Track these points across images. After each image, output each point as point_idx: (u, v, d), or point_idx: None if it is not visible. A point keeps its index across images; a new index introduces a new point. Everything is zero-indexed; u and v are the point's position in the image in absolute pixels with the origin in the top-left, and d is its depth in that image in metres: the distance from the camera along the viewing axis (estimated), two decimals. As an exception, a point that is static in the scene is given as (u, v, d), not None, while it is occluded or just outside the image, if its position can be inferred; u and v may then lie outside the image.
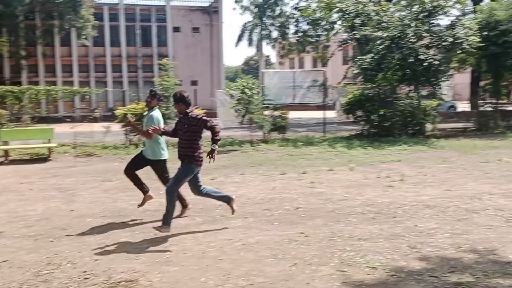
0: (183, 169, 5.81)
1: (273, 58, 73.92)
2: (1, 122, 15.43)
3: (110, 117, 17.75)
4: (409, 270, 4.58)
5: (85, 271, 4.62)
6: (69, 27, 35.67)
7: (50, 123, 18.33)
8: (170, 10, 43.93)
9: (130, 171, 6.77)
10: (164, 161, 6.69)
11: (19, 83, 30.63)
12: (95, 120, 16.28)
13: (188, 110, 5.84)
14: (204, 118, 5.80)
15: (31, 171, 11.37)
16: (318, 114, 21.54)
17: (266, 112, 16.77)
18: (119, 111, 15.40)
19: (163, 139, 6.68)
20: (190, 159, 5.77)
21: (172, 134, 6.19)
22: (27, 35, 36.30)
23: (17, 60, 37.52)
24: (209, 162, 5.78)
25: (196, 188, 6.05)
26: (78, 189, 8.94)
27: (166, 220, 5.72)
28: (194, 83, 43.66)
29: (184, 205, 6.69)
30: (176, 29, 44.72)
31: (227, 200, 6.29)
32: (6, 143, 13.80)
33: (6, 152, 13.25)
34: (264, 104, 16.79)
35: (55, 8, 34.07)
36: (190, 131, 5.80)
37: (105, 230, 6.11)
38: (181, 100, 5.84)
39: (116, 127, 15.26)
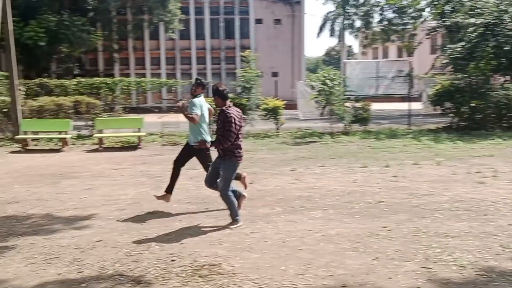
0: (227, 167, 5.73)
1: (356, 48, 72.22)
2: (96, 111, 16.55)
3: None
4: (501, 270, 4.32)
5: (172, 253, 4.86)
6: (158, 21, 37.29)
7: (140, 113, 19.39)
8: (253, 2, 44.38)
9: (178, 164, 6.86)
10: (205, 148, 6.54)
11: (112, 75, 32.65)
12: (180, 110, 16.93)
13: (225, 107, 5.68)
14: (229, 119, 5.55)
15: (122, 158, 12.12)
16: (403, 106, 20.77)
17: (347, 104, 16.49)
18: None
19: (205, 126, 6.76)
20: (230, 156, 5.69)
21: None
22: (119, 30, 38.47)
23: (110, 53, 39.97)
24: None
25: (213, 181, 5.94)
26: (165, 176, 9.35)
27: (233, 217, 5.87)
28: (275, 74, 43.88)
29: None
30: (258, 21, 45.15)
31: (236, 196, 5.99)
32: (100, 131, 14.81)
33: (100, 139, 14.21)
34: (345, 95, 16.51)
35: (145, 3, 35.75)
36: (224, 128, 5.62)
37: (190, 215, 6.37)
38: (216, 93, 5.73)
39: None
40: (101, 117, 16.11)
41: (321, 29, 45.38)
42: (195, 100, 6.65)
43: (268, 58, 40.33)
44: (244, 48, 31.73)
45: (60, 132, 14.64)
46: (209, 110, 7.02)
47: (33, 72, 28.90)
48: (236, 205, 5.90)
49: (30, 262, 4.71)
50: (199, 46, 44.00)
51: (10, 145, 14.62)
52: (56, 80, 20.30)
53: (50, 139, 15.04)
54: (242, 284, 4.10)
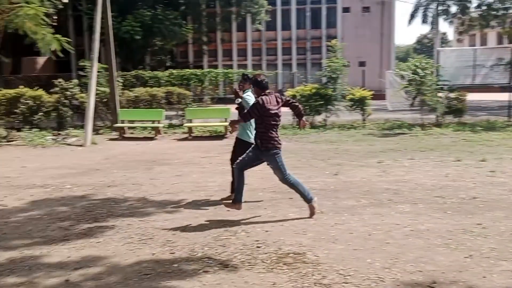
0: (271, 160, 5.70)
1: (450, 36, 68.29)
2: (186, 102, 17.25)
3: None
4: None
5: (257, 240, 4.97)
6: (245, 13, 37.87)
7: (227, 103, 19.86)
8: (340, -10, 43.51)
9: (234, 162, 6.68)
10: (247, 144, 6.38)
11: (201, 67, 33.75)
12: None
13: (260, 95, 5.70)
14: (255, 101, 5.66)
15: (210, 146, 12.54)
16: (503, 97, 19.31)
17: (440, 94, 15.69)
18: (288, 93, 15.96)
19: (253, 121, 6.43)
20: (267, 146, 5.64)
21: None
22: (208, 22, 39.61)
23: (199, 45, 41.35)
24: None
25: (243, 166, 5.80)
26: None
27: (306, 199, 5.80)
28: (362, 64, 42.76)
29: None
30: (345, 10, 44.24)
31: (238, 199, 5.81)
32: (190, 121, 15.43)
33: (190, 129, 14.81)
34: (438, 85, 15.72)
35: (233, -4, 36.52)
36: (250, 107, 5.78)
37: (275, 204, 6.46)
38: (255, 84, 5.82)
39: (284, 108, 15.88)
40: (191, 107, 16.75)
41: (413, 16, 43.35)
42: (245, 95, 6.55)
43: (355, 47, 39.38)
44: (330, 37, 31.29)
45: (153, 121, 15.47)
46: None
47: (130, 64, 30.71)
48: (302, 185, 5.81)
49: (127, 241, 5.06)
50: (285, 36, 44.07)
51: (109, 132, 15.72)
52: (150, 72, 21.44)
53: (145, 128, 15.94)
54: (326, 274, 4.10)
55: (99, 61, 16.19)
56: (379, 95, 21.37)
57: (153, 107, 16.49)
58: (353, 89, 16.64)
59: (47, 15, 14.54)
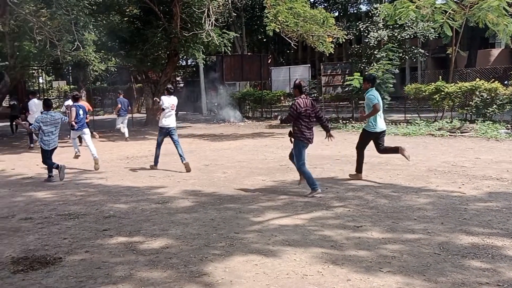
0: (294, 145, 7.11)
1: None
2: None
3: None
4: None
5: None
6: None
7: None
8: None
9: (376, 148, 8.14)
10: (365, 131, 7.95)
11: None
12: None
13: (296, 97, 7.10)
14: (292, 105, 7.03)
15: None
16: None
17: None
18: None
19: (377, 116, 7.73)
20: (295, 137, 7.04)
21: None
22: None
23: None
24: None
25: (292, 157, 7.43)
26: None
27: (311, 186, 7.08)
28: None
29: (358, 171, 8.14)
30: None
31: (312, 184, 7.05)
32: None
33: None
34: None
35: None
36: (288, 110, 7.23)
37: None
38: (297, 87, 7.11)
39: None
40: None
41: None
42: (368, 95, 7.70)
43: None
44: None
45: None
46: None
47: None
48: (310, 177, 7.08)
49: None
50: None
51: None
52: None
53: None
54: None
55: None
56: None
57: None
58: None
59: (509, 5, 14.07)
